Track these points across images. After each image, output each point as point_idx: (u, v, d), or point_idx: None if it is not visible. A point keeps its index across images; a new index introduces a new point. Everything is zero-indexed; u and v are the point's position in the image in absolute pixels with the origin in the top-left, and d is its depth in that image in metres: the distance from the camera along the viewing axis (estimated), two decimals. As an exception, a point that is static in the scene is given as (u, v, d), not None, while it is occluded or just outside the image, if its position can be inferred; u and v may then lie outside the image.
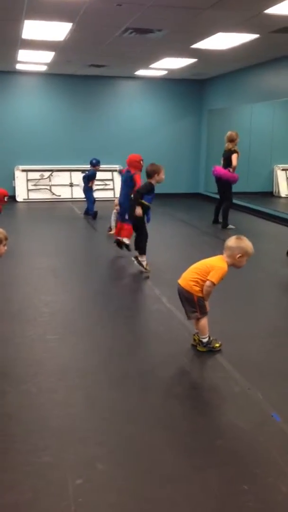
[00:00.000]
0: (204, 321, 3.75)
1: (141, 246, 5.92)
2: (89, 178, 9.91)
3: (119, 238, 6.75)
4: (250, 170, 11.51)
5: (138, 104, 12.70)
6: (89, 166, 10.06)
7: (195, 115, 13.11)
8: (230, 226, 9.02)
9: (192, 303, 3.72)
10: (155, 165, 5.74)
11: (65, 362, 3.59)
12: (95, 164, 9.93)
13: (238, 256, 3.62)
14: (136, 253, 5.98)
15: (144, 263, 5.87)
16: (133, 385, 3.28)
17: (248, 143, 11.48)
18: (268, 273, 6.08)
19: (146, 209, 5.75)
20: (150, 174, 5.70)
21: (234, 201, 10.43)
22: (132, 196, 5.93)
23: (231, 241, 3.66)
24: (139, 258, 5.91)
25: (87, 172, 10.04)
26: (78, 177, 11.97)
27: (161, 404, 3.05)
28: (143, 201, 5.71)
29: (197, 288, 3.68)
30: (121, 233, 6.75)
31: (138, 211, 5.70)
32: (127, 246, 6.67)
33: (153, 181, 5.70)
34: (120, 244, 6.73)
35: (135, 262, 5.92)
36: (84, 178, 10.01)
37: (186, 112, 13.04)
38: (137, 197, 5.71)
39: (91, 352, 3.80)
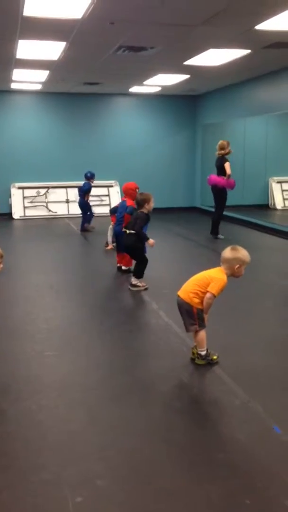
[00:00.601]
0: (202, 334, 3.75)
1: (138, 271, 5.91)
2: (84, 192, 9.95)
3: (122, 266, 6.70)
4: (245, 183, 11.59)
5: (133, 121, 12.82)
6: (83, 180, 10.10)
7: (190, 130, 13.22)
8: (220, 236, 9.08)
9: (191, 315, 3.72)
10: (144, 194, 5.83)
11: (65, 378, 3.58)
12: (90, 177, 9.98)
13: (236, 266, 3.63)
14: (131, 279, 5.93)
15: (139, 283, 5.85)
16: (134, 399, 3.27)
17: (243, 156, 11.58)
18: (265, 284, 6.09)
19: (144, 238, 5.80)
20: (141, 204, 5.77)
21: (230, 214, 10.51)
22: (126, 230, 5.93)
23: (227, 253, 3.68)
24: (133, 282, 5.87)
25: (83, 186, 10.07)
26: (74, 193, 12.03)
27: (162, 418, 3.04)
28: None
29: (197, 300, 3.69)
30: (123, 261, 6.71)
31: (151, 242, 5.74)
32: (130, 271, 6.61)
33: (145, 211, 5.76)
34: (122, 270, 6.69)
35: (130, 288, 5.85)
36: (79, 191, 10.05)
37: (180, 127, 13.15)
38: (143, 236, 5.74)
39: (90, 367, 3.79)
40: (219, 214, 9.13)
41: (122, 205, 6.62)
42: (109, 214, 8.22)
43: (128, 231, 5.84)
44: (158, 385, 3.46)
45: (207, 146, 12.59)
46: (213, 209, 9.76)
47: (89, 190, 9.97)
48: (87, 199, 10.03)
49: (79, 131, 12.51)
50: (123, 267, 6.64)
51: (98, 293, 5.84)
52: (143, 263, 5.90)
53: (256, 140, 12.02)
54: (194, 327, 3.74)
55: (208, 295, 3.64)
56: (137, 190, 6.49)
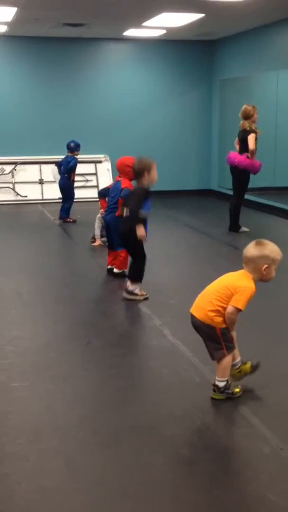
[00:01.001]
0: (229, 358, 3.76)
1: (135, 271, 5.85)
2: (68, 170, 9.92)
3: (114, 269, 6.67)
4: (277, 158, 11.58)
5: (129, 75, 12.82)
6: (64, 154, 10.08)
7: (204, 87, 13.22)
8: (244, 229, 9.06)
9: (216, 338, 3.72)
10: (143, 160, 5.73)
11: (38, 417, 3.57)
12: (74, 148, 9.92)
13: (264, 267, 3.62)
14: (127, 284, 5.90)
15: (137, 291, 5.84)
16: (128, 447, 3.25)
17: (274, 122, 11.56)
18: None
19: (138, 220, 5.74)
20: (138, 174, 5.69)
21: (257, 199, 10.48)
22: (121, 215, 5.91)
23: (251, 250, 3.67)
24: (130, 288, 5.84)
25: (62, 160, 10.06)
26: (51, 171, 11.99)
27: (166, 472, 3.03)
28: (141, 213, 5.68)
29: (220, 319, 3.69)
30: (115, 262, 6.67)
31: (141, 232, 5.64)
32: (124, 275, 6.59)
33: (144, 183, 5.69)
34: (115, 274, 6.66)
35: (126, 296, 5.81)
36: (59, 168, 10.01)
37: (192, 84, 13.15)
38: (137, 217, 5.64)
39: (71, 403, 3.77)
40: (237, 205, 9.13)
41: (115, 186, 6.60)
42: (97, 199, 8.23)
43: (125, 212, 5.80)
44: (161, 427, 3.45)
45: (227, 108, 12.58)
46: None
47: (74, 167, 9.96)
48: (73, 179, 10.01)
49: (57, 88, 12.50)
50: (116, 270, 6.64)
51: (82, 305, 5.83)
52: (142, 260, 5.86)
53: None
54: (221, 352, 3.73)
55: (230, 309, 3.63)
56: None
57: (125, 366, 4.37)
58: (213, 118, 13.28)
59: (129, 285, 5.85)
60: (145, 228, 5.82)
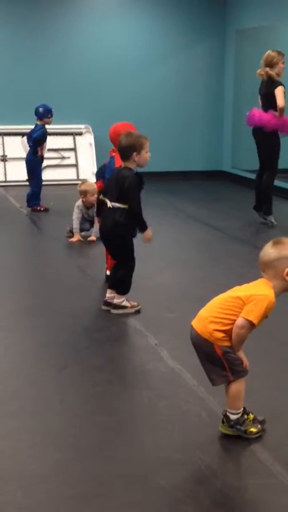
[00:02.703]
0: (239, 386, 3.75)
1: (120, 280, 5.84)
2: (35, 141, 9.92)
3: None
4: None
5: (118, 22, 12.81)
6: (34, 123, 10.06)
7: (216, 39, 13.22)
8: (270, 219, 9.01)
9: (216, 359, 3.72)
10: (132, 136, 5.67)
11: (0, 463, 3.56)
12: (44, 114, 9.90)
13: (286, 271, 3.63)
14: (109, 295, 5.91)
15: (126, 302, 5.82)
16: (113, 502, 3.24)
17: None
18: None
19: (142, 224, 5.74)
20: (125, 153, 5.64)
21: (282, 184, 10.41)
22: (104, 199, 5.87)
23: (268, 252, 3.68)
24: (116, 301, 5.83)
25: (32, 132, 10.07)
26: (19, 144, 11.95)
27: (162, 535, 3.03)
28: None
29: (221, 335, 3.68)
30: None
31: (149, 234, 5.68)
32: None
33: (131, 165, 5.66)
34: None
35: (113, 311, 5.83)
36: (28, 140, 10.01)
37: (200, 35, 13.15)
38: (139, 217, 5.64)
39: (41, 446, 3.76)
40: (270, 179, 9.07)
41: (109, 165, 6.56)
42: (76, 181, 8.20)
43: (109, 203, 5.77)
44: (156, 477, 3.43)
45: (244, 67, 12.57)
46: (252, 176, 9.74)
47: (42, 139, 9.96)
48: (41, 153, 10.00)
49: (25, 41, 12.50)
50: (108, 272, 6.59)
51: (56, 319, 5.82)
52: (130, 266, 5.85)
53: None
54: (225, 377, 3.73)
55: (240, 322, 3.62)
56: None
57: (111, 397, 4.36)
58: (226, 79, 13.28)
59: (116, 298, 5.85)
60: (134, 228, 5.80)
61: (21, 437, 3.84)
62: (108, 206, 5.72)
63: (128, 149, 5.62)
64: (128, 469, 3.52)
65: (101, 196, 5.90)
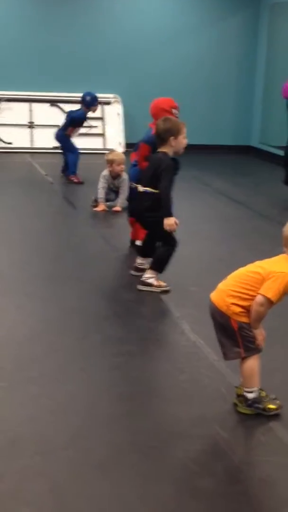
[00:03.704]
0: (252, 363, 3.74)
1: (159, 258, 5.79)
2: (72, 122, 9.94)
3: (137, 241, 6.64)
4: None
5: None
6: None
7: (248, 12, 13.12)
8: None
9: (231, 333, 3.71)
10: (170, 120, 5.67)
11: (16, 428, 3.57)
12: (90, 103, 9.92)
13: (308, 250, 3.62)
14: (140, 261, 5.91)
15: (153, 280, 5.79)
16: (129, 472, 3.25)
17: None
18: None
19: (166, 208, 5.69)
20: (163, 138, 5.62)
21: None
22: (137, 186, 5.86)
23: None
24: (147, 277, 5.78)
25: (72, 112, 10.10)
26: (44, 112, 11.91)
27: (177, 508, 3.03)
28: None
29: (238, 309, 3.68)
30: (140, 234, 6.62)
31: (172, 221, 5.59)
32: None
33: (168, 151, 5.63)
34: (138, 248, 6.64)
35: (141, 288, 5.77)
36: (67, 119, 10.03)
37: (232, 7, 13.04)
38: (166, 203, 5.59)
39: (60, 413, 3.77)
40: None
41: (147, 135, 6.57)
42: (103, 151, 8.16)
43: (141, 188, 5.78)
44: (173, 449, 3.44)
45: (278, 41, 12.43)
46: (280, 152, 9.68)
47: (78, 122, 9.98)
48: (69, 133, 10.01)
49: (55, 8, 12.45)
50: (138, 242, 6.58)
51: (79, 287, 5.82)
52: (170, 246, 5.82)
53: None
54: (237, 353, 3.73)
55: (259, 299, 3.61)
56: (174, 112, 6.40)
57: (131, 368, 4.36)
58: (258, 53, 13.16)
59: (147, 274, 5.81)
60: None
61: (40, 403, 3.86)
62: (139, 190, 5.72)
63: (165, 133, 5.60)
64: (146, 440, 3.52)
65: (133, 185, 5.89)
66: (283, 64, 11.16)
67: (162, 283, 5.78)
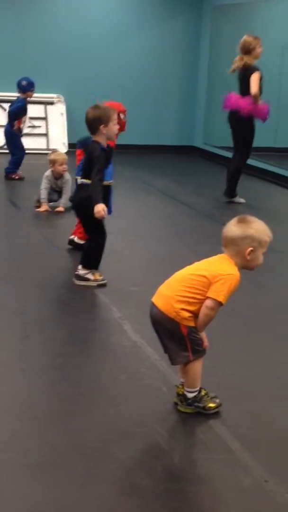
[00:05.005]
0: (197, 366, 3.76)
1: (89, 254, 5.82)
2: (14, 114, 9.84)
3: (75, 238, 6.63)
4: (280, 111, 11.59)
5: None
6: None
7: (191, 14, 13.17)
8: (239, 199, 9.09)
9: (180, 339, 3.70)
10: (99, 107, 5.64)
11: None
12: (27, 88, 9.81)
13: (249, 251, 3.63)
14: (78, 268, 5.89)
15: (90, 275, 5.81)
16: (69, 472, 3.24)
17: (279, 65, 11.53)
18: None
19: (105, 193, 5.71)
20: (93, 126, 5.59)
21: (254, 163, 10.45)
22: (76, 178, 5.87)
23: (232, 229, 3.67)
24: (81, 272, 5.82)
25: (11, 106, 10.02)
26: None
27: (117, 506, 3.03)
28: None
29: (187, 314, 3.67)
30: (78, 231, 6.61)
31: (99, 209, 5.45)
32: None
33: (100, 139, 5.62)
34: (75, 245, 6.63)
35: (77, 282, 5.83)
36: (9, 115, 9.93)
37: (177, 9, 13.07)
38: (96, 190, 5.53)
39: (1, 413, 3.77)
40: (241, 162, 9.11)
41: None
42: (46, 151, 8.12)
43: (79, 180, 5.77)
44: (113, 448, 3.44)
45: (220, 43, 12.52)
46: (225, 153, 9.74)
47: (20, 112, 9.87)
48: (18, 127, 9.92)
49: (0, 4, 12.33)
50: (76, 239, 6.58)
51: (21, 288, 5.79)
52: (100, 239, 5.83)
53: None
54: (185, 357, 3.73)
55: (209, 303, 3.61)
56: (122, 116, 6.39)
57: (72, 368, 4.35)
58: (201, 55, 13.23)
59: (80, 270, 5.84)
60: (109, 200, 5.78)
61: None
62: (79, 182, 5.73)
63: (95, 122, 5.57)
64: (86, 440, 3.52)
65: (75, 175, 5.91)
66: (225, 66, 11.20)
67: (99, 277, 5.79)
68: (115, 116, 5.61)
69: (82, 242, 6.51)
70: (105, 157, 5.62)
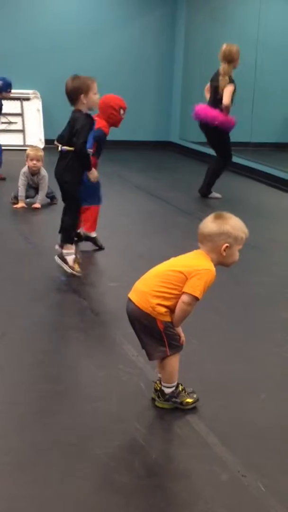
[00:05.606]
0: (174, 361, 3.77)
1: (66, 227, 5.90)
2: None
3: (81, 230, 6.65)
4: (256, 107, 11.63)
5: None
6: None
7: (165, 7, 13.17)
8: (215, 194, 9.13)
9: (156, 334, 3.71)
10: (78, 77, 5.73)
11: None
12: (2, 88, 9.82)
13: (224, 246, 3.65)
14: (62, 249, 5.96)
15: (70, 259, 5.83)
16: (48, 469, 3.25)
17: (253, 61, 11.55)
18: (280, 277, 6.18)
19: (86, 164, 5.79)
20: (73, 96, 5.70)
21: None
22: (58, 145, 5.89)
23: (208, 225, 3.68)
24: (64, 251, 5.89)
25: None
26: None
27: (96, 503, 3.04)
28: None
29: (163, 310, 3.68)
30: (87, 223, 6.63)
31: (94, 175, 5.81)
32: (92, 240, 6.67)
33: (82, 108, 5.67)
34: (86, 239, 6.67)
35: (56, 258, 5.91)
36: None
37: (151, 4, 13.07)
38: (84, 155, 5.67)
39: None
40: (219, 164, 9.12)
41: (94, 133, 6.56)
42: (23, 147, 8.09)
43: (60, 147, 5.82)
44: (92, 445, 3.45)
45: (195, 36, 12.52)
46: (200, 148, 9.76)
47: None
48: None
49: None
50: (83, 232, 6.61)
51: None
52: (75, 212, 5.88)
53: (279, 31, 11.95)
54: (162, 352, 3.74)
55: (185, 298, 3.62)
56: (121, 112, 6.43)
57: (50, 365, 4.35)
58: (176, 49, 13.25)
59: (64, 249, 5.91)
60: (83, 172, 5.88)
61: None
62: (60, 150, 5.76)
63: (75, 92, 5.67)
64: (65, 437, 3.52)
65: (56, 141, 5.92)
66: (200, 60, 11.26)
67: (77, 268, 5.81)
68: (94, 86, 5.71)
69: (87, 233, 6.55)
70: (89, 124, 5.69)
